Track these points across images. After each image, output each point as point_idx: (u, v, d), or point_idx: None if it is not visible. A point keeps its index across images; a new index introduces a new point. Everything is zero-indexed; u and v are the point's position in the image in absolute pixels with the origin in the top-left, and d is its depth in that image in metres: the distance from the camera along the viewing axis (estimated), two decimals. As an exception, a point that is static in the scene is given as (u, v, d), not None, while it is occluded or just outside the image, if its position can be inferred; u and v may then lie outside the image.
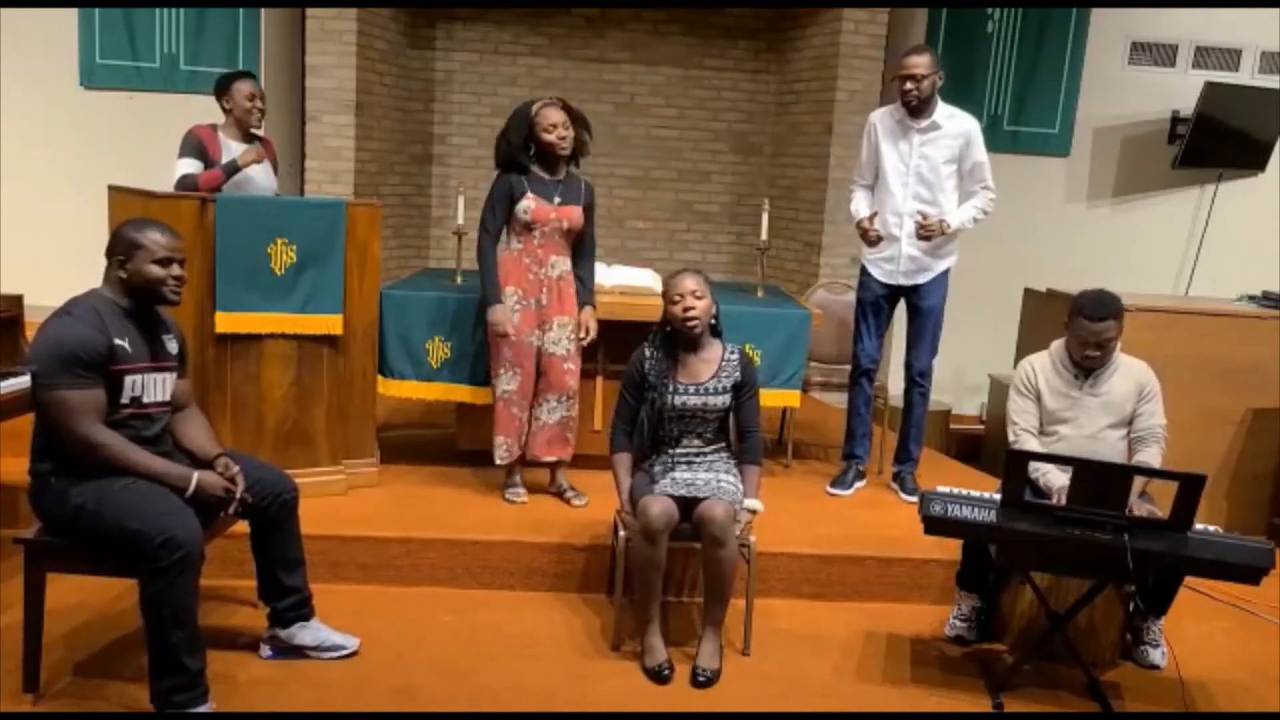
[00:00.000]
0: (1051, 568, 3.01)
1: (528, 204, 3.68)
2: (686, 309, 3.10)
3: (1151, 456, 3.23)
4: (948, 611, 3.40)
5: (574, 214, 3.73)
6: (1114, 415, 3.29)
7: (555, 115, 3.64)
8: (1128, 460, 3.25)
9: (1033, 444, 3.30)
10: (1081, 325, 3.19)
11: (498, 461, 3.87)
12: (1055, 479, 3.11)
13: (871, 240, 4.04)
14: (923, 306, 4.11)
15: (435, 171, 6.49)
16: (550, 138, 3.63)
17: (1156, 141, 6.34)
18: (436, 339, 4.07)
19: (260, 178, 4.06)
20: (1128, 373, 3.30)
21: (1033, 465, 3.19)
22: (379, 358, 3.99)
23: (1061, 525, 2.79)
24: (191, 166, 3.91)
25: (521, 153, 3.67)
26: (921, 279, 4.08)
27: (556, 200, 3.70)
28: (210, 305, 3.52)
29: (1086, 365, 3.26)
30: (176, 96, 5.65)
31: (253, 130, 4.10)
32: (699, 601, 3.26)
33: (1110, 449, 3.26)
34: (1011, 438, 3.33)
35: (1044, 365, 3.38)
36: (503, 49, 6.37)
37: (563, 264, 3.77)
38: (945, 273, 4.11)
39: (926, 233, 3.93)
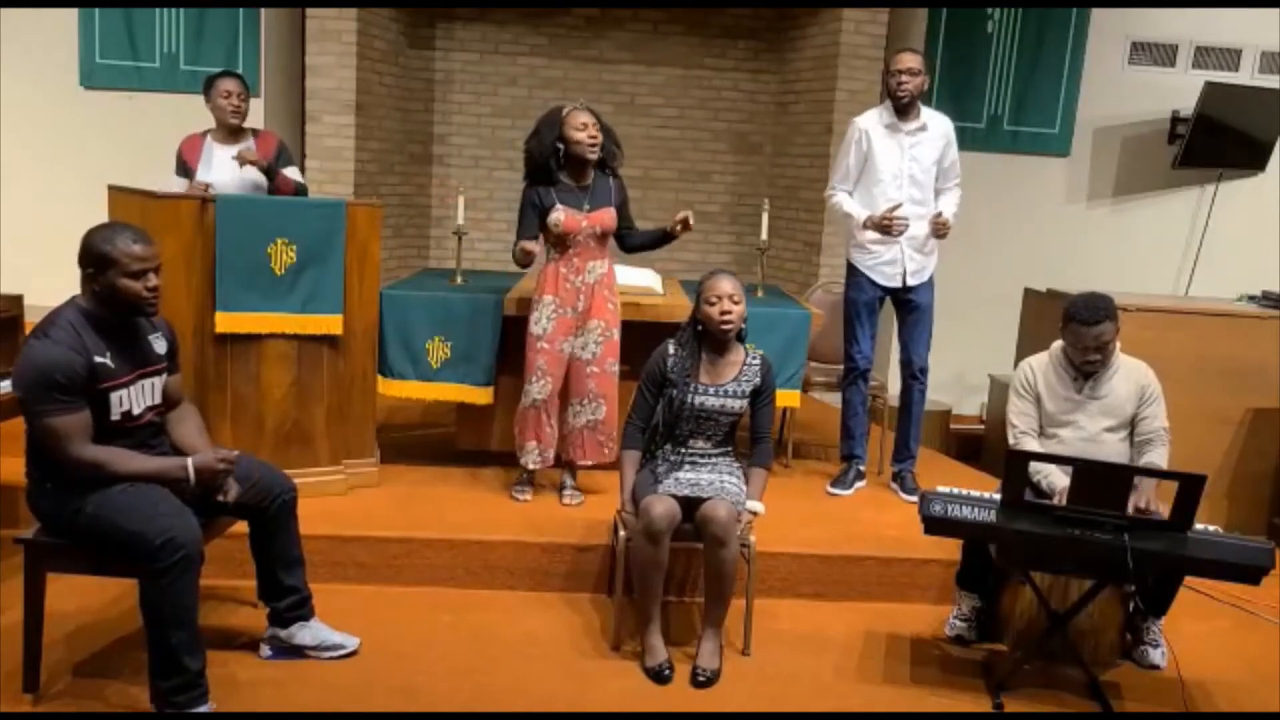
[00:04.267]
0: (1051, 568, 3.00)
1: (557, 216, 3.66)
2: (724, 312, 3.09)
3: (1159, 459, 3.22)
4: (948, 611, 3.40)
5: (605, 216, 3.72)
6: (1114, 418, 3.29)
7: (586, 116, 3.64)
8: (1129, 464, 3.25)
9: (1033, 445, 3.29)
10: (1077, 331, 3.19)
11: (530, 466, 3.85)
12: (1058, 480, 3.10)
13: (900, 229, 3.96)
14: (919, 304, 4.14)
15: (435, 171, 6.49)
16: (581, 136, 3.61)
17: (1156, 141, 6.34)
18: (436, 339, 4.07)
19: (238, 184, 4.06)
20: (1128, 375, 3.30)
21: (1035, 467, 3.19)
22: (379, 358, 3.98)
23: (1061, 525, 2.79)
24: (177, 186, 4.02)
25: (551, 155, 3.64)
26: (920, 279, 4.12)
27: (586, 207, 3.70)
28: (210, 305, 3.52)
29: (1087, 370, 3.26)
30: (176, 96, 5.65)
31: (231, 123, 4.08)
32: (699, 601, 3.27)
33: (1110, 451, 3.25)
34: (1011, 440, 3.32)
35: (1043, 367, 3.37)
36: (503, 49, 6.37)
37: (600, 266, 3.76)
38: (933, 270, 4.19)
39: (945, 232, 3.99)
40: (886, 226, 3.96)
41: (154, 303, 2.60)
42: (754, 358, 3.21)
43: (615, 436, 3.82)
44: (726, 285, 3.11)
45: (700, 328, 3.17)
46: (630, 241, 3.91)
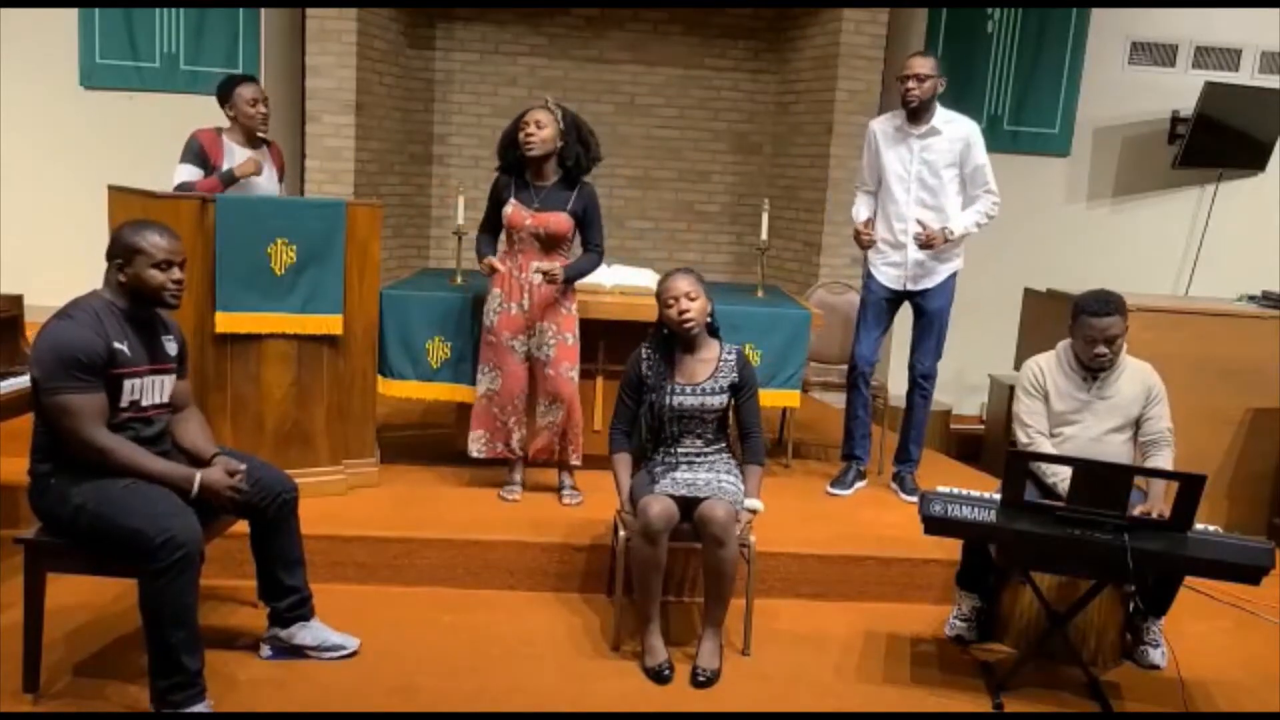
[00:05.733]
0: (1051, 568, 3.01)
1: (506, 209, 3.71)
2: (682, 311, 3.08)
3: (1166, 460, 3.23)
4: (948, 611, 3.40)
5: (552, 220, 3.68)
6: (1120, 418, 3.29)
7: (532, 115, 3.63)
8: (1135, 464, 3.25)
9: (1046, 446, 3.28)
10: (1087, 324, 3.19)
11: (472, 454, 3.88)
12: None
13: (865, 245, 4.07)
14: (929, 309, 4.12)
15: (435, 171, 6.49)
16: (520, 135, 3.62)
17: (1156, 141, 6.34)
18: (436, 339, 4.07)
19: (264, 184, 4.04)
20: (1134, 375, 3.30)
21: (1049, 468, 3.20)
22: (379, 358, 3.99)
23: (1061, 525, 2.79)
24: (190, 173, 3.90)
25: (509, 150, 3.69)
26: (928, 283, 4.09)
27: (535, 206, 3.69)
28: (210, 305, 3.52)
29: (1096, 366, 3.25)
30: (176, 96, 5.66)
31: (259, 134, 4.05)
32: (699, 601, 3.26)
33: (1113, 452, 3.25)
34: (1024, 439, 3.31)
35: (1051, 366, 3.37)
36: (503, 49, 6.37)
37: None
38: (952, 276, 4.12)
39: (928, 243, 3.92)
40: (857, 237, 4.08)
41: (177, 294, 2.66)
42: (730, 352, 3.20)
43: (576, 440, 3.86)
44: (682, 284, 3.10)
45: (666, 331, 3.17)
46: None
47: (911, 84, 3.90)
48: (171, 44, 5.74)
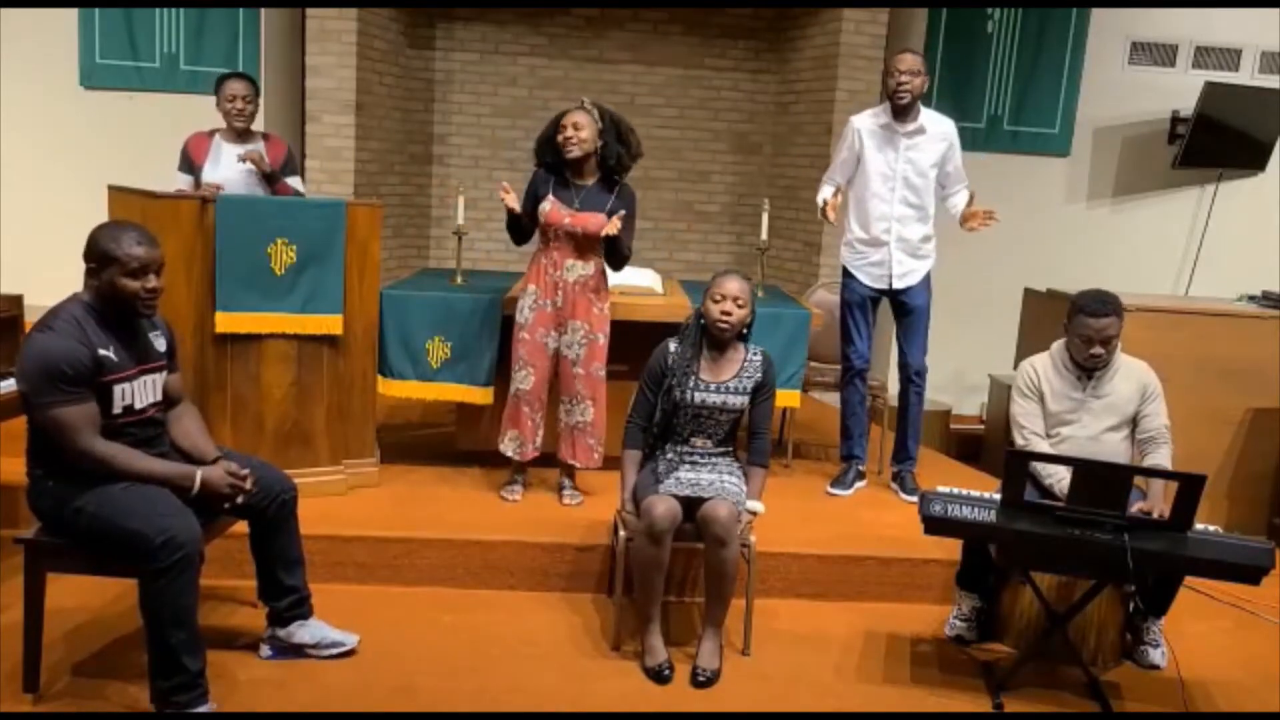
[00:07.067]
0: (1051, 568, 3.01)
1: (545, 205, 3.70)
2: (724, 312, 3.10)
3: (1164, 458, 3.23)
4: (948, 611, 3.40)
5: (591, 222, 3.67)
6: (1116, 417, 3.29)
7: (570, 117, 3.64)
8: (1134, 462, 3.25)
9: (1043, 447, 3.28)
10: (1083, 323, 3.19)
11: (511, 455, 3.88)
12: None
13: (831, 221, 4.09)
14: (913, 306, 4.13)
15: (435, 171, 6.49)
16: (559, 137, 3.64)
17: (1156, 141, 6.34)
18: (436, 339, 4.07)
19: (239, 180, 4.09)
20: (1129, 374, 3.30)
21: (1047, 469, 3.20)
22: (379, 357, 3.98)
23: (1061, 525, 2.79)
24: (182, 180, 4.09)
25: (547, 151, 3.70)
26: (912, 280, 4.11)
27: (575, 205, 3.69)
28: (210, 305, 3.52)
29: (1089, 365, 3.25)
30: (176, 96, 5.66)
31: (237, 126, 4.12)
32: (699, 601, 3.27)
33: (1111, 450, 3.25)
34: (1021, 441, 3.32)
35: (1045, 367, 3.37)
36: (503, 49, 6.37)
37: (580, 268, 3.74)
38: (930, 271, 4.15)
39: (984, 216, 3.93)
40: (823, 213, 4.06)
41: (151, 303, 2.62)
42: (755, 353, 3.21)
43: (604, 440, 3.84)
44: (733, 287, 3.11)
45: (703, 323, 3.18)
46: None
47: (905, 78, 3.89)
48: (171, 44, 5.75)
